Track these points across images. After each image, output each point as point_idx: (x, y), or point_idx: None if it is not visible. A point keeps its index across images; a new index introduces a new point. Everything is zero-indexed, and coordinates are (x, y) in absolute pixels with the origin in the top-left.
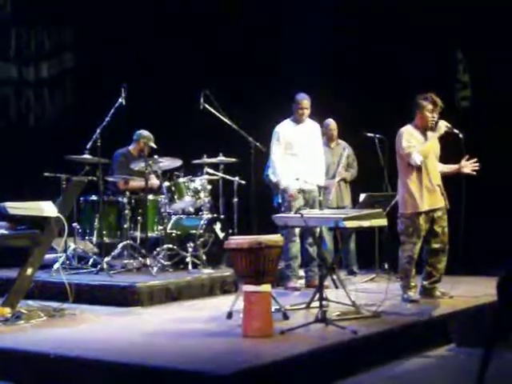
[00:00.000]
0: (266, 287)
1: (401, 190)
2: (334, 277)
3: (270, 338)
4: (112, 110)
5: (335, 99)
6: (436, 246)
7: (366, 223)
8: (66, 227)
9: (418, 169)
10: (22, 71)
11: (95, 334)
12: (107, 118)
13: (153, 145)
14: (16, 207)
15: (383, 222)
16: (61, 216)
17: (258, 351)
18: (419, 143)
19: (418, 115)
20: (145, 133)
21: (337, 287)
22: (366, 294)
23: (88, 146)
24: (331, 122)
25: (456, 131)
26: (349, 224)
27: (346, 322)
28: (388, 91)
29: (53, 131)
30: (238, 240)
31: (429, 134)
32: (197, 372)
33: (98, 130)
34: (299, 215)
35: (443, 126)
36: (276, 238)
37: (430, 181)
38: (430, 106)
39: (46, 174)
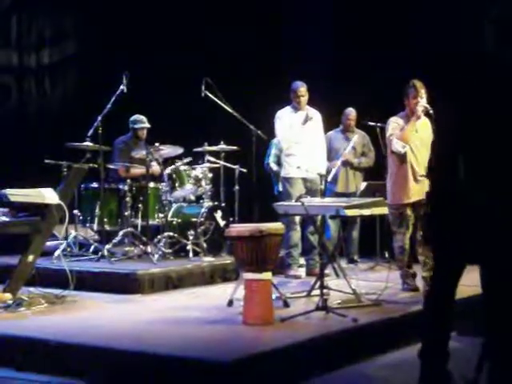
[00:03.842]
0: (267, 275)
1: (388, 180)
2: (335, 265)
3: (270, 325)
4: (113, 98)
5: (336, 88)
6: None
7: (366, 211)
8: (68, 214)
9: (404, 158)
10: (23, 58)
11: (96, 321)
12: (108, 106)
13: (146, 125)
14: (17, 194)
15: (384, 210)
16: (62, 203)
17: (258, 339)
18: None
19: (405, 104)
20: (135, 117)
21: (338, 275)
22: (366, 283)
23: (89, 134)
24: (351, 112)
25: (431, 111)
26: (350, 212)
27: (346, 310)
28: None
29: (54, 118)
30: (239, 228)
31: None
32: (198, 359)
33: (99, 118)
34: (300, 203)
35: (420, 108)
36: (277, 226)
37: (417, 171)
38: (412, 93)
39: (46, 161)
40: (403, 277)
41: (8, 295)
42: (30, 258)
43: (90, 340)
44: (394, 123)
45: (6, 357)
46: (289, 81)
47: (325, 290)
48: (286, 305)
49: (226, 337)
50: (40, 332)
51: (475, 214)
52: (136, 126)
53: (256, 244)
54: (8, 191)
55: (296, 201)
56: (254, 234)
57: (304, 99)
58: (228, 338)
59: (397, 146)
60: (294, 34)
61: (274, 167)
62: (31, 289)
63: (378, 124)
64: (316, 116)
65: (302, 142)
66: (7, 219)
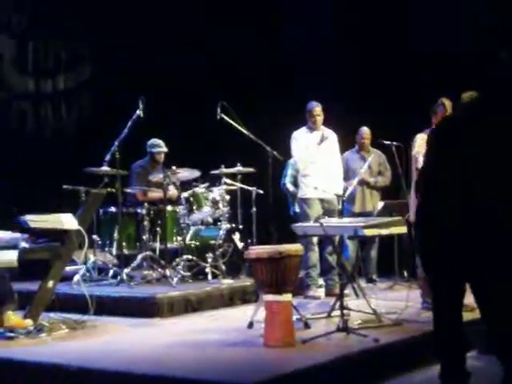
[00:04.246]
0: (287, 296)
1: (412, 197)
2: (355, 285)
3: (291, 347)
4: (130, 123)
5: (349, 109)
6: None
7: (385, 231)
8: (87, 239)
9: None
10: (39, 84)
11: (117, 345)
12: (125, 131)
13: (164, 149)
14: (36, 220)
15: (402, 229)
16: (81, 229)
17: (280, 361)
18: None
19: (432, 121)
20: (152, 141)
21: (357, 296)
22: (386, 302)
23: (106, 159)
24: (365, 131)
25: None
26: (368, 232)
27: (367, 330)
28: (408, 99)
29: (70, 143)
30: (258, 250)
31: None
32: (219, 382)
33: (116, 143)
34: (318, 224)
35: None
36: (296, 247)
37: None
38: (441, 111)
39: (64, 187)
40: (423, 296)
41: (29, 321)
42: (50, 283)
43: (111, 365)
44: (421, 140)
45: (29, 382)
46: (302, 100)
47: (345, 311)
48: (307, 326)
49: (246, 359)
50: (61, 358)
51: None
52: (154, 150)
53: (275, 266)
54: (28, 217)
55: (314, 222)
56: (274, 256)
57: (320, 119)
58: (249, 361)
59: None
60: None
61: (291, 188)
62: (51, 314)
63: (394, 143)
64: (332, 136)
65: (318, 162)
66: (27, 245)
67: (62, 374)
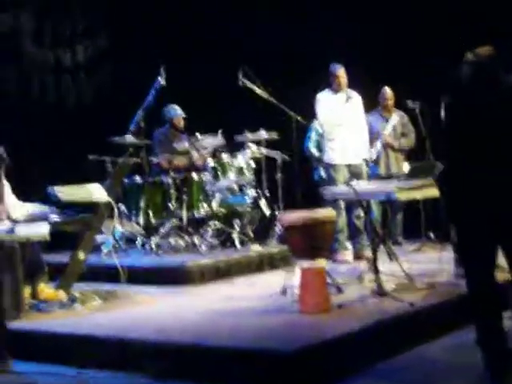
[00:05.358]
0: (321, 262)
1: None
2: (387, 248)
3: (327, 313)
4: (152, 91)
5: (371, 69)
6: None
7: (418, 194)
8: (116, 210)
9: None
10: (58, 56)
11: (152, 314)
12: (149, 99)
13: (182, 113)
14: (65, 192)
15: (435, 192)
16: (110, 199)
17: (317, 327)
18: None
19: None
20: (168, 107)
21: (391, 259)
22: (416, 265)
23: (131, 128)
24: (387, 91)
25: None
26: (401, 196)
27: (401, 294)
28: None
29: (92, 114)
30: (292, 216)
31: None
32: (259, 349)
33: (140, 112)
34: (350, 188)
35: None
36: (329, 212)
37: None
38: None
39: (90, 157)
40: (457, 262)
41: (62, 293)
42: (81, 254)
43: (148, 334)
44: None
45: (66, 355)
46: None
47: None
48: (340, 291)
49: (284, 326)
50: (98, 329)
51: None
52: (171, 115)
53: (309, 232)
54: (57, 189)
55: (346, 185)
56: (308, 222)
57: (343, 80)
58: (286, 328)
59: None
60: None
61: (316, 153)
62: (82, 285)
63: (417, 103)
64: (356, 97)
65: (343, 124)
66: (58, 218)
67: (101, 345)
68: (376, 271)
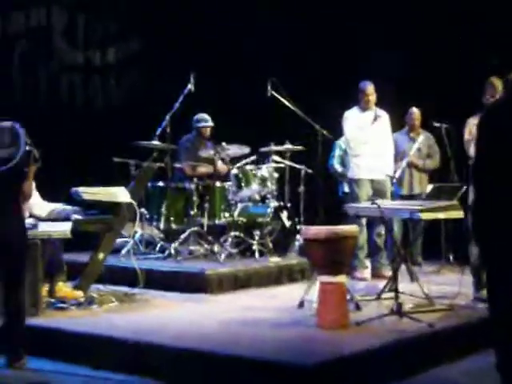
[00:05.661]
0: (342, 278)
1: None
2: (410, 268)
3: (345, 329)
4: (181, 97)
5: (400, 89)
6: None
7: (442, 215)
8: (138, 213)
9: None
10: (88, 57)
11: (169, 320)
12: (176, 105)
13: (210, 123)
14: (89, 192)
15: (459, 214)
16: (133, 202)
17: (335, 343)
18: None
19: (483, 103)
20: (198, 116)
21: (412, 279)
22: (435, 287)
23: (157, 133)
24: (414, 111)
25: None
26: (425, 216)
27: (419, 314)
28: (457, 79)
29: (119, 117)
30: (315, 230)
31: None
32: (277, 362)
33: (168, 117)
34: (373, 205)
35: None
36: (352, 228)
37: None
38: (490, 91)
39: (115, 160)
40: (476, 286)
41: (80, 293)
42: (101, 255)
43: (165, 339)
44: (472, 125)
45: (82, 355)
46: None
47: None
48: (358, 308)
49: (302, 340)
50: (114, 330)
51: None
52: (199, 125)
53: (332, 246)
54: (81, 189)
55: (370, 203)
56: (331, 237)
57: (372, 98)
58: (305, 341)
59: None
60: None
61: (339, 168)
62: (100, 286)
63: (444, 124)
64: (384, 116)
65: (370, 142)
66: (80, 217)
67: (117, 346)
68: (396, 290)
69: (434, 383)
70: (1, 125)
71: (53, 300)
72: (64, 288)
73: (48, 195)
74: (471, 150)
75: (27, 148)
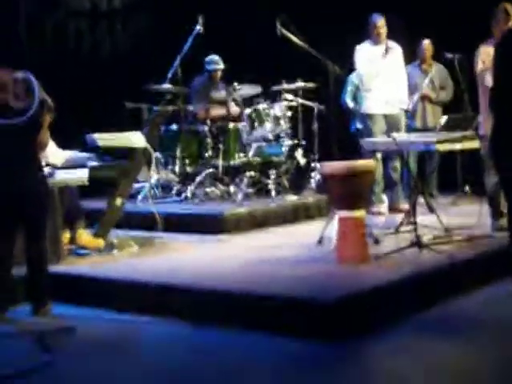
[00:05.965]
0: (361, 213)
1: (482, 112)
2: (428, 200)
3: (365, 263)
4: (190, 39)
5: (410, 21)
6: None
7: (458, 146)
8: (154, 157)
9: None
10: (95, 2)
11: (189, 262)
12: (186, 47)
13: (221, 66)
14: (105, 138)
15: (475, 144)
16: (149, 146)
17: (356, 277)
18: None
19: (493, 30)
20: (209, 58)
21: (431, 210)
22: (452, 218)
23: (169, 76)
24: (425, 43)
25: None
26: (441, 147)
27: (438, 246)
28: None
29: (128, 62)
30: (333, 166)
31: None
32: (300, 298)
33: (178, 60)
34: (390, 138)
35: None
36: (369, 163)
37: None
38: (503, 18)
39: (126, 105)
40: (493, 216)
41: (100, 241)
42: (118, 201)
43: (186, 280)
44: (485, 54)
45: (105, 299)
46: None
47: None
48: (377, 241)
49: (323, 275)
50: (135, 274)
51: None
52: (210, 68)
53: (350, 182)
54: (96, 136)
55: (387, 136)
56: (349, 172)
57: (383, 31)
58: (325, 277)
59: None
60: None
61: (351, 104)
62: (119, 232)
63: (457, 55)
64: (396, 49)
65: (382, 75)
66: (96, 164)
67: (140, 290)
68: (414, 223)
69: (452, 314)
70: (15, 76)
71: (74, 247)
72: (84, 235)
73: (61, 143)
74: (487, 79)
75: (41, 98)
